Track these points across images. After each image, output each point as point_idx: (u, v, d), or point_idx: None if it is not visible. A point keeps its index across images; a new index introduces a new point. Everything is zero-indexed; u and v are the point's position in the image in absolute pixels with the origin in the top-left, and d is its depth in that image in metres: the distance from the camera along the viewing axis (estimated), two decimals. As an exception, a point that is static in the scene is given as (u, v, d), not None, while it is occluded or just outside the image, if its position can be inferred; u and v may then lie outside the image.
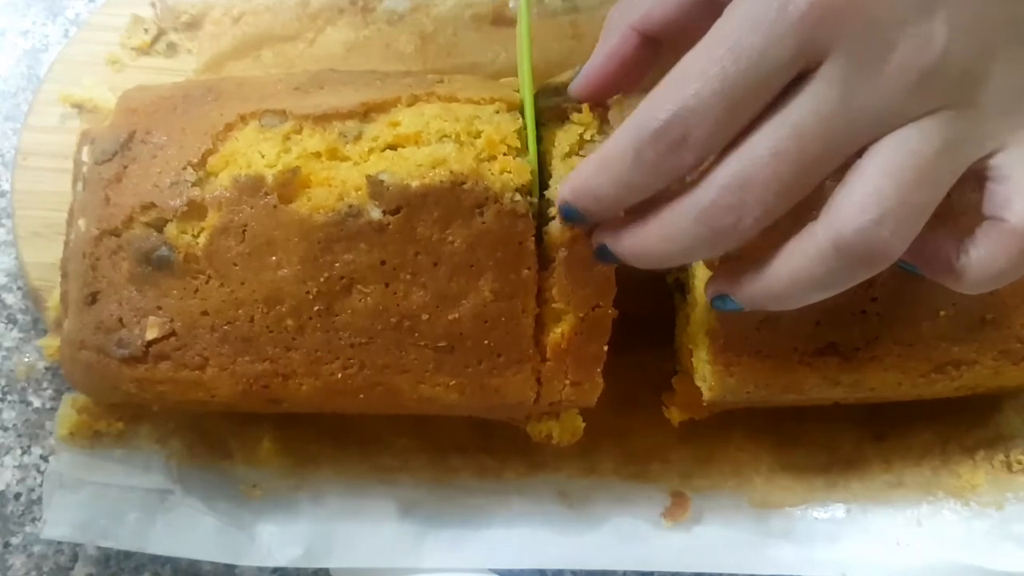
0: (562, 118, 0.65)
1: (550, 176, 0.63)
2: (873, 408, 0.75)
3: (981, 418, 0.76)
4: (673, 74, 0.51)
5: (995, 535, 0.73)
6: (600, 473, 0.75)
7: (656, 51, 0.60)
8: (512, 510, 0.74)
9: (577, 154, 0.63)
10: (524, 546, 0.73)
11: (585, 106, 0.64)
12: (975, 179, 0.53)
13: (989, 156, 0.51)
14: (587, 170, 0.55)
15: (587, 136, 0.63)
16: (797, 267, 0.51)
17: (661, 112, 0.50)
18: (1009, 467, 0.75)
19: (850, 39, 0.48)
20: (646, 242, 0.54)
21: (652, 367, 0.73)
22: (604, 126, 0.64)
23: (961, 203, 0.54)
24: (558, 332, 0.63)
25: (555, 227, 0.62)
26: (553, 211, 0.62)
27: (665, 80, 0.51)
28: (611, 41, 0.60)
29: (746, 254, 0.54)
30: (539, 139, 0.65)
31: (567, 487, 0.74)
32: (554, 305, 0.62)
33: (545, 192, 0.63)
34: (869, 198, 0.49)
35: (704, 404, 0.70)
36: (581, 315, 0.62)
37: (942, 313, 0.65)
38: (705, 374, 0.66)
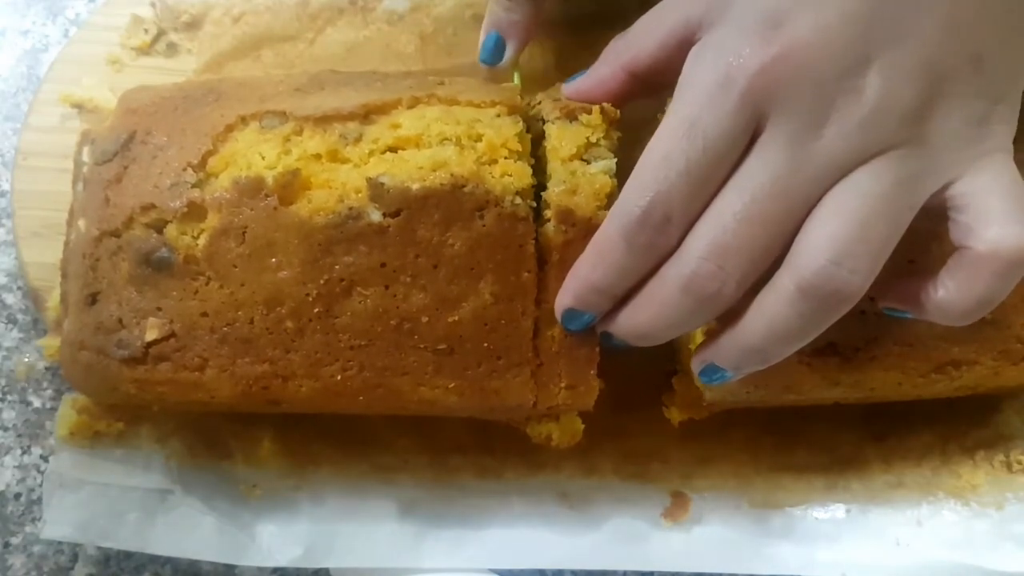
0: (570, 117, 0.64)
1: (549, 178, 0.63)
2: (873, 408, 0.75)
3: (981, 418, 0.76)
4: (641, 164, 0.55)
5: (995, 535, 0.73)
6: (600, 473, 0.75)
7: (643, 86, 0.64)
8: (512, 510, 0.74)
9: (581, 159, 0.63)
10: (524, 546, 0.73)
11: (596, 108, 0.64)
12: (940, 212, 0.55)
13: (946, 187, 0.54)
14: (582, 270, 0.59)
15: (593, 139, 0.63)
16: (770, 318, 0.54)
17: (641, 200, 0.55)
18: (1009, 467, 0.75)
19: (790, 101, 0.52)
20: (640, 320, 0.58)
21: (652, 367, 0.73)
22: (610, 131, 0.64)
23: (932, 238, 0.58)
24: (549, 335, 0.63)
25: (550, 230, 0.62)
26: (548, 213, 0.62)
27: (635, 171, 0.55)
28: (603, 71, 0.64)
29: (722, 320, 0.57)
30: (541, 136, 0.65)
31: (567, 487, 0.74)
32: (545, 306, 0.62)
33: (542, 194, 0.63)
34: (824, 240, 0.52)
35: (704, 404, 0.70)
36: None
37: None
38: (704, 373, 0.66)
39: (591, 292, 0.59)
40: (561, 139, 0.63)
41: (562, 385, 0.64)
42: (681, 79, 0.56)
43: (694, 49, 0.56)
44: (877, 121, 0.52)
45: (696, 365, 0.60)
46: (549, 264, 0.62)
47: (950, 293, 0.55)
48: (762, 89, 0.52)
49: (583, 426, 0.68)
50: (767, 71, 0.52)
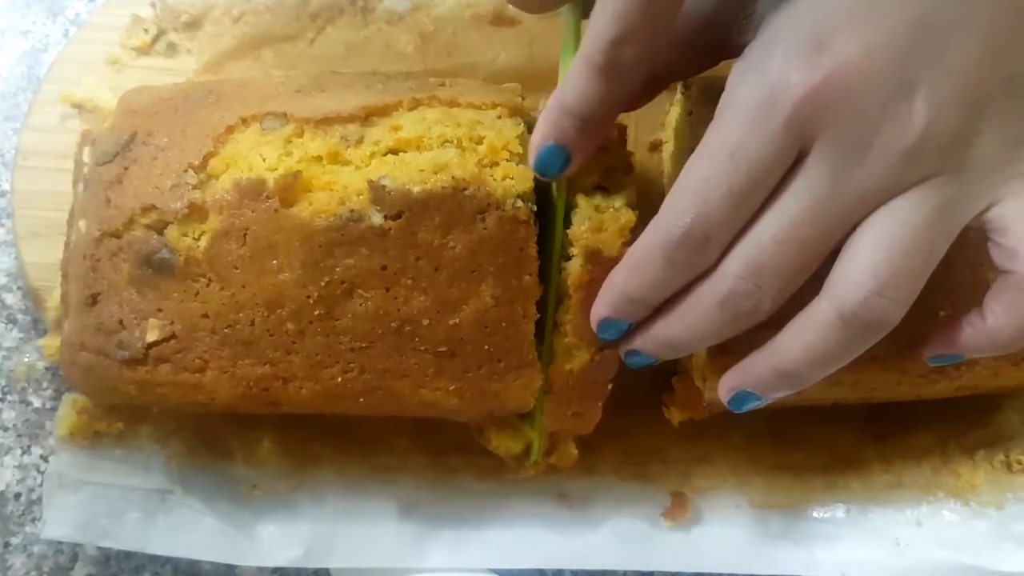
0: None
1: (572, 208, 0.63)
2: (873, 408, 0.75)
3: (981, 418, 0.76)
4: (683, 182, 0.55)
5: (995, 535, 0.74)
6: (600, 473, 0.75)
7: (660, 90, 0.64)
8: (512, 510, 0.74)
9: (600, 186, 0.63)
10: (524, 546, 0.73)
11: (613, 132, 0.64)
12: (979, 236, 0.55)
13: (986, 211, 0.54)
14: (618, 280, 0.59)
15: (612, 163, 0.64)
16: (808, 343, 0.55)
17: (681, 220, 0.54)
18: (1009, 467, 0.75)
19: (836, 126, 0.51)
20: (674, 333, 0.58)
21: (652, 367, 0.73)
22: (624, 151, 0.65)
23: (976, 244, 0.57)
24: (567, 369, 0.63)
25: (574, 267, 0.62)
26: (572, 251, 0.62)
27: (676, 188, 0.55)
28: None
29: (750, 345, 0.58)
30: None
31: (567, 487, 0.75)
32: (567, 340, 0.63)
33: (568, 230, 0.63)
34: (867, 271, 0.52)
35: (704, 404, 0.70)
36: (592, 353, 0.62)
37: (942, 313, 0.64)
38: (705, 374, 0.66)
39: (627, 303, 0.58)
40: (580, 167, 0.63)
41: (569, 413, 0.65)
42: (724, 97, 0.55)
43: (736, 66, 0.55)
44: (922, 150, 0.51)
45: (725, 393, 0.60)
46: (572, 301, 0.62)
47: (999, 319, 0.55)
48: (808, 115, 0.51)
49: (576, 453, 0.69)
50: (813, 97, 0.51)
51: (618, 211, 0.62)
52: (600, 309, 0.60)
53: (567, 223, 0.63)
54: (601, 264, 0.61)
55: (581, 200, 0.63)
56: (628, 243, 0.61)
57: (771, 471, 0.75)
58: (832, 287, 0.53)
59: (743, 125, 0.53)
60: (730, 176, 0.53)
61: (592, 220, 0.62)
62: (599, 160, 0.63)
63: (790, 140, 0.52)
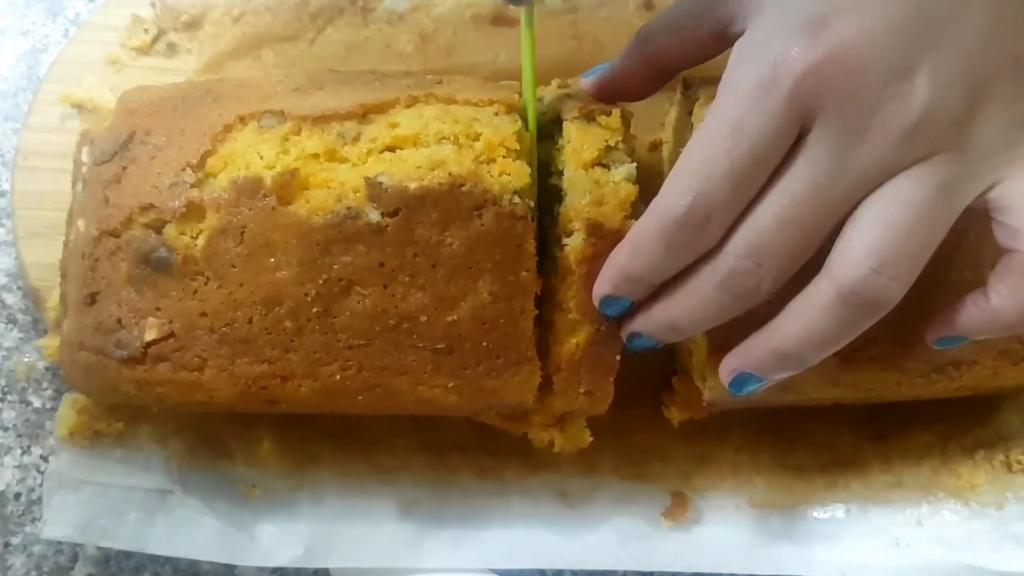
0: (588, 117, 0.64)
1: (568, 183, 0.63)
2: (873, 408, 0.75)
3: (981, 418, 0.76)
4: (684, 162, 0.54)
5: (995, 535, 0.73)
6: (600, 473, 0.75)
7: (666, 79, 0.64)
8: (512, 510, 0.74)
9: (600, 164, 0.63)
10: (524, 546, 0.73)
11: (615, 111, 0.64)
12: (979, 235, 0.56)
13: (988, 191, 0.54)
14: (619, 259, 0.58)
15: (612, 143, 0.63)
16: (807, 322, 0.54)
17: (682, 200, 0.54)
18: (1009, 467, 0.75)
19: (836, 104, 0.51)
20: (675, 314, 0.58)
21: (652, 367, 0.73)
22: (627, 134, 0.64)
23: (976, 244, 0.58)
24: (573, 343, 0.63)
25: (576, 242, 0.62)
26: (573, 226, 0.62)
27: (678, 168, 0.55)
28: (627, 64, 0.64)
29: (751, 325, 0.58)
30: (559, 135, 0.65)
31: (567, 487, 0.74)
32: (571, 316, 0.62)
33: (564, 205, 0.63)
34: (866, 248, 0.52)
35: (704, 404, 0.70)
36: (597, 327, 0.62)
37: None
38: (705, 374, 0.65)
39: (628, 282, 0.58)
40: (582, 142, 0.63)
41: (581, 391, 0.64)
42: (725, 77, 0.55)
43: (737, 46, 0.55)
44: (923, 129, 0.51)
45: (726, 375, 0.59)
46: (575, 275, 0.62)
47: (1004, 299, 0.55)
48: (809, 91, 0.51)
49: (591, 438, 0.69)
50: (815, 73, 0.51)
51: (618, 184, 0.62)
52: (602, 286, 0.60)
53: (562, 196, 0.63)
54: (604, 237, 0.61)
55: (581, 174, 0.62)
56: (630, 217, 0.61)
57: (771, 471, 0.75)
58: (832, 266, 0.53)
59: (744, 102, 0.52)
60: (731, 154, 0.52)
61: (593, 193, 0.62)
62: (599, 136, 0.63)
63: (791, 117, 0.52)
